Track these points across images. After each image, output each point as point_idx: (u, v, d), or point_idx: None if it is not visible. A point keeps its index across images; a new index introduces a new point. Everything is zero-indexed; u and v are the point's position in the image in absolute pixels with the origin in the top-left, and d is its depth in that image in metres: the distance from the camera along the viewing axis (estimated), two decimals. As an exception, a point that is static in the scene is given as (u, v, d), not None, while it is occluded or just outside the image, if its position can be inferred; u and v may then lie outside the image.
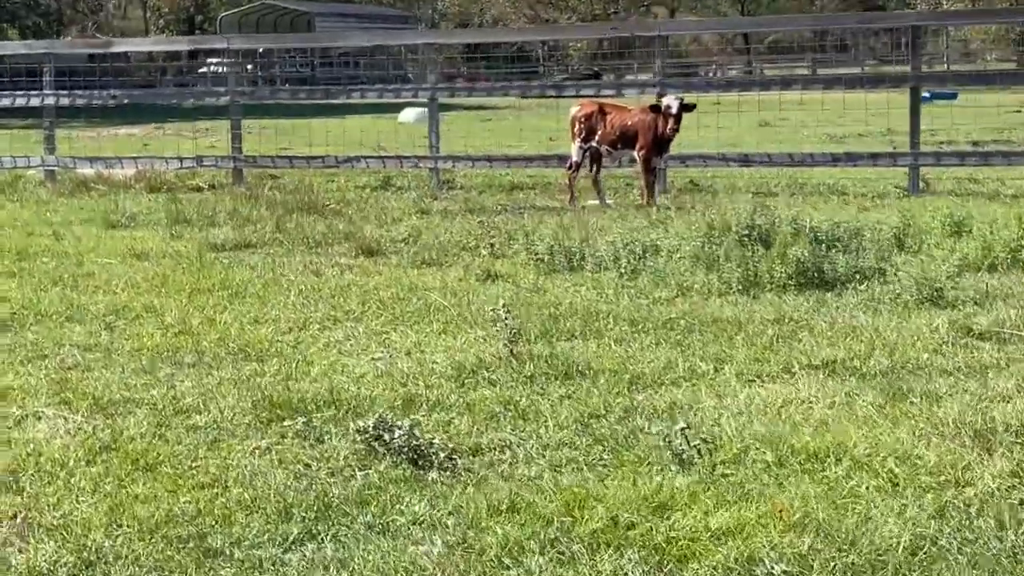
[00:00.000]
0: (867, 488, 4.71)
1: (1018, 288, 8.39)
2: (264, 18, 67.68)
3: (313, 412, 5.98)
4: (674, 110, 13.07)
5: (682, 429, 4.83)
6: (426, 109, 31.59)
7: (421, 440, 5.27)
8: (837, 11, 71.15)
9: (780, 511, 4.34)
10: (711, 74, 60.06)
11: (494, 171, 16.85)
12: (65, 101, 17.36)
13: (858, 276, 8.85)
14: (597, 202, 13.85)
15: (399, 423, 5.40)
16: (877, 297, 8.27)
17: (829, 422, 5.55)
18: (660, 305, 8.32)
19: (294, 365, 6.99)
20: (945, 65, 47.85)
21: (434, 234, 11.37)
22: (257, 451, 5.49)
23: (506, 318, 7.15)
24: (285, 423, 5.82)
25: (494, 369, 6.74)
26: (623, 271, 9.35)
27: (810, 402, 5.93)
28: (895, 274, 8.83)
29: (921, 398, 5.87)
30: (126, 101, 18.80)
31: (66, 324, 8.13)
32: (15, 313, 8.40)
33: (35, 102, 17.40)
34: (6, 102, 17.60)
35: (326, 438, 5.63)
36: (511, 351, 7.02)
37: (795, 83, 16.15)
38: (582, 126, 13.72)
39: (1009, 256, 9.24)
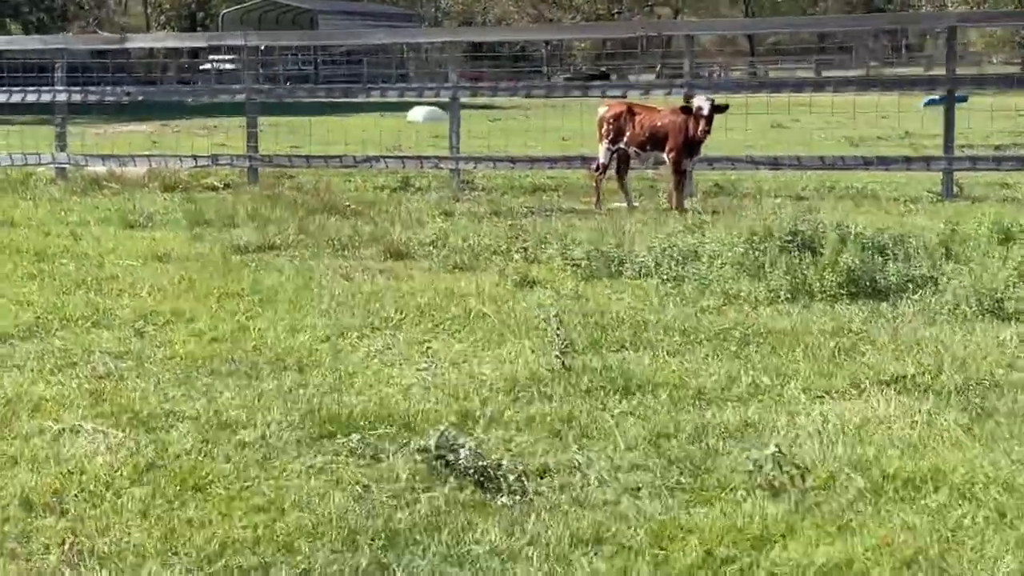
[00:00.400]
0: (974, 520, 4.41)
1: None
2: (266, 15, 67.30)
3: (365, 428, 5.68)
4: (705, 111, 12.76)
5: (774, 454, 4.52)
6: (435, 108, 31.67)
7: (488, 461, 4.97)
8: (841, 13, 70.93)
9: (888, 545, 4.04)
10: (713, 76, 59.87)
11: (513, 172, 16.53)
12: (77, 97, 17.03)
13: (910, 285, 8.56)
14: (623, 204, 13.55)
15: (462, 442, 5.10)
16: (933, 308, 7.98)
17: (916, 444, 5.25)
18: (709, 314, 8.02)
19: (337, 376, 6.69)
20: (977, 68, 47.72)
21: (462, 237, 11.06)
22: (311, 470, 5.20)
23: (557, 328, 6.87)
24: (338, 440, 5.53)
25: (547, 382, 6.45)
26: (664, 278, 9.05)
27: (889, 421, 5.64)
28: (947, 283, 8.54)
29: (1008, 418, 5.58)
30: (140, 98, 18.49)
31: (93, 330, 7.83)
32: (39, 318, 8.10)
33: (46, 98, 17.08)
34: (17, 98, 17.27)
35: (383, 456, 5.33)
36: (563, 363, 6.73)
37: (827, 85, 15.83)
38: (610, 127, 13.42)
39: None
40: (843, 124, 25.53)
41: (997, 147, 20.51)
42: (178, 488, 4.98)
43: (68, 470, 5.18)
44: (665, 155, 13.18)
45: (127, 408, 6.05)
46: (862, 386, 6.27)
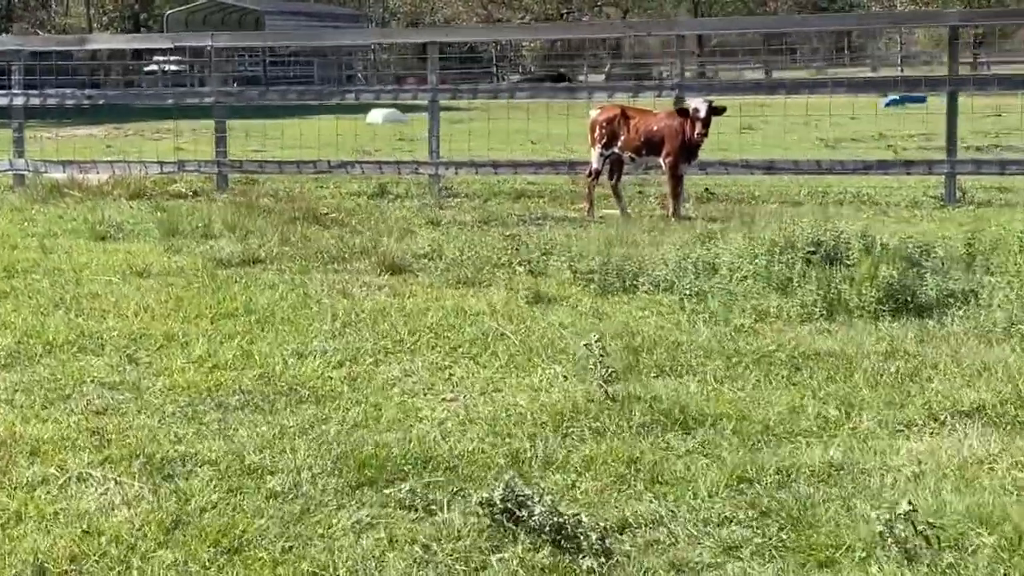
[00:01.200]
0: None
1: None
2: (211, 16, 66.27)
3: (409, 474, 5.09)
4: (702, 114, 12.25)
5: (908, 513, 3.96)
6: (393, 110, 31.03)
7: (566, 517, 4.39)
8: (791, 12, 70.73)
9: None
10: (663, 77, 59.36)
11: (492, 178, 15.92)
12: (36, 101, 16.25)
13: (951, 300, 8.07)
14: (616, 212, 13.01)
15: (529, 493, 4.52)
16: (984, 325, 7.48)
17: (1034, 490, 4.73)
18: (745, 335, 7.49)
19: (360, 409, 6.09)
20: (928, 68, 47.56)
21: (458, 249, 10.47)
22: (359, 526, 4.60)
23: (601, 355, 6.30)
24: (383, 489, 4.93)
25: (594, 415, 5.88)
26: (686, 293, 8.51)
27: (989, 461, 5.11)
28: (990, 298, 8.05)
29: (1121, 457, 5.07)
30: (101, 102, 17.73)
31: (80, 356, 7.19)
32: (20, 342, 7.44)
33: (3, 101, 16.30)
34: (-29, 102, 16.48)
35: (437, 509, 4.74)
36: (606, 392, 6.17)
37: (823, 86, 15.35)
38: (603, 131, 12.87)
39: (1108, 277, 8.48)
40: (812, 126, 25.16)
41: (978, 148, 20.15)
42: (212, 551, 4.37)
43: (84, 529, 4.55)
44: (661, 160, 12.65)
45: (136, 451, 5.42)
46: (941, 418, 5.75)
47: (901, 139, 23.19)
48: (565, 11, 74.84)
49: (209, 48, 15.88)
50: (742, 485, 4.92)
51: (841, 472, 5.03)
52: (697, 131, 12.28)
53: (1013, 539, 4.23)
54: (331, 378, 6.69)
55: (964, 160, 13.92)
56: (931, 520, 4.05)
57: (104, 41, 26.93)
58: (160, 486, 5.01)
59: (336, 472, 5.15)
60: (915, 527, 3.96)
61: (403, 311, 8.26)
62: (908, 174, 14.05)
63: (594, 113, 13.11)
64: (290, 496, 4.91)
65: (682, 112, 12.51)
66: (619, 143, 12.81)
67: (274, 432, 5.73)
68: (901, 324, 7.62)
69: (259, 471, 5.19)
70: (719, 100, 12.57)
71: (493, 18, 75.81)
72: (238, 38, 26.18)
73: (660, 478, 5.03)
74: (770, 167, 14.21)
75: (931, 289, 8.12)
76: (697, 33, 42.28)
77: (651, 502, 4.78)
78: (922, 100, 35.17)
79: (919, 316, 7.81)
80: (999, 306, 7.79)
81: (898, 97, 36.32)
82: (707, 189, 14.64)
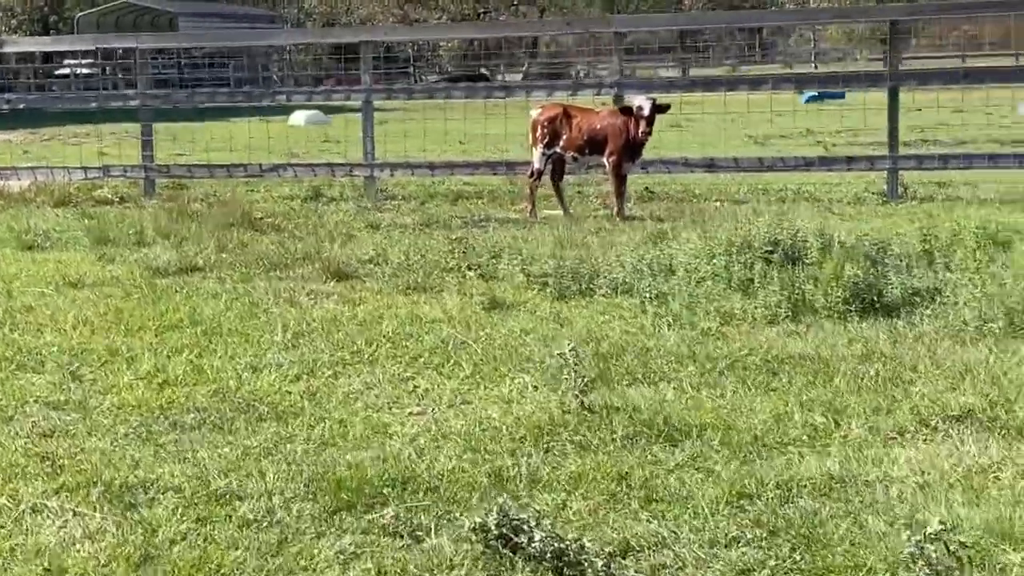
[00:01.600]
0: None
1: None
2: (123, 18, 65.13)
3: (390, 496, 4.80)
4: (646, 112, 12.03)
5: (938, 533, 3.72)
6: (317, 111, 30.56)
7: (567, 542, 4.12)
8: (705, 10, 70.92)
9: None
10: (580, 75, 59.32)
11: (427, 180, 15.60)
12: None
13: (917, 299, 7.91)
14: (559, 212, 12.77)
15: (525, 517, 4.25)
16: (953, 324, 7.31)
17: (1047, 500, 4.53)
18: (713, 339, 7.27)
19: (325, 426, 5.79)
20: (841, 64, 47.93)
21: (403, 253, 10.16)
22: (343, 556, 4.30)
23: (575, 363, 6.04)
24: (363, 514, 4.64)
25: (575, 428, 5.62)
26: (647, 296, 8.27)
27: (993, 470, 4.92)
28: (955, 295, 7.89)
29: None
30: (22, 106, 17.18)
31: (19, 374, 6.82)
32: (-47, 361, 7.04)
33: (-83, 107, 15.74)
34: None
35: (424, 535, 4.45)
36: (582, 403, 5.91)
37: (765, 83, 15.19)
38: (545, 130, 12.61)
39: (1070, 273, 8.36)
40: (737, 123, 25.06)
41: (905, 144, 20.11)
42: (188, 589, 4.06)
43: (45, 567, 4.22)
44: (604, 159, 12.43)
45: (93, 477, 5.07)
46: (931, 423, 5.55)
47: (828, 135, 23.16)
48: (482, 11, 74.60)
49: (136, 50, 15.42)
50: (742, 501, 4.68)
51: (843, 484, 4.81)
52: (641, 129, 12.07)
53: (1040, 555, 4.02)
54: (290, 393, 6.38)
55: (906, 155, 13.84)
56: (962, 540, 3.83)
57: (25, 44, 26.17)
58: (123, 517, 4.67)
59: (310, 496, 4.85)
60: (947, 547, 3.73)
61: (356, 320, 7.95)
62: (850, 170, 13.94)
63: (535, 112, 12.85)
64: (264, 524, 4.60)
65: (625, 110, 12.29)
66: (561, 142, 12.56)
67: (237, 453, 5.41)
68: (870, 324, 7.45)
69: (227, 497, 4.87)
70: (662, 98, 12.36)
71: (410, 18, 75.27)
72: (165, 39, 25.62)
73: (655, 495, 4.78)
74: (711, 165, 14.04)
75: (896, 288, 7.96)
76: (633, 30, 42.11)
77: (649, 522, 4.53)
78: (841, 96, 35.42)
79: (887, 316, 7.63)
80: (966, 304, 7.63)
81: (817, 93, 36.59)
82: (647, 188, 14.43)
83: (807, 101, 36.16)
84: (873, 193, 13.55)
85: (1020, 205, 12.39)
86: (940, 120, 24.95)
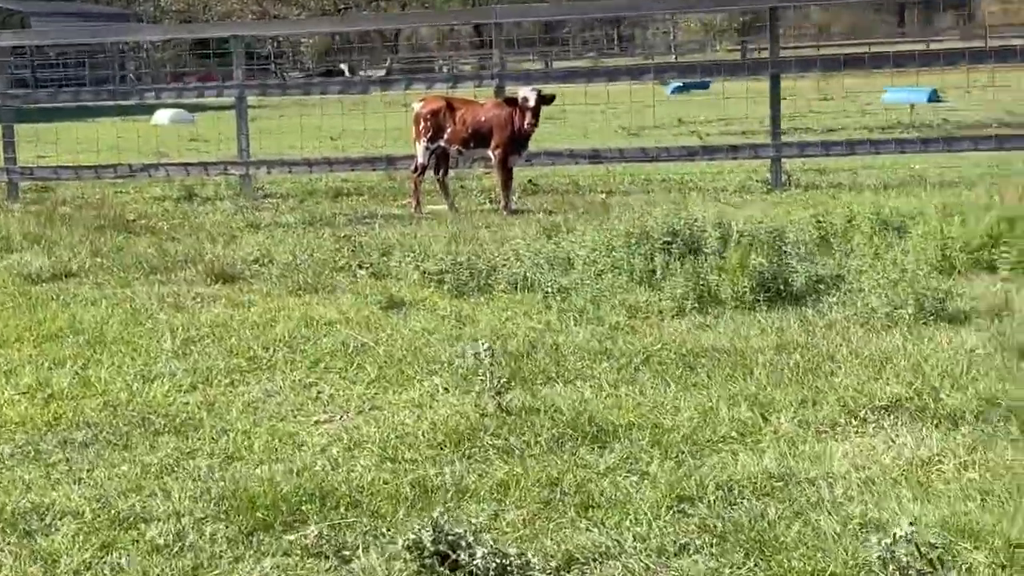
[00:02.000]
0: None
1: (1021, 294, 7.43)
2: (-30, 18, 63.28)
3: (309, 513, 4.49)
4: (532, 103, 11.81)
5: (909, 535, 3.53)
6: (180, 110, 29.85)
7: (511, 557, 3.85)
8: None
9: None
10: (444, 69, 59.06)
11: (304, 177, 15.20)
12: None
13: (821, 287, 7.80)
14: (444, 207, 12.49)
15: (461, 532, 3.97)
16: (862, 312, 7.20)
17: (998, 493, 4.38)
18: (623, 333, 7.06)
19: (228, 439, 5.45)
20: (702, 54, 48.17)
21: (290, 253, 9.80)
22: (266, 582, 3.99)
23: (490, 363, 5.78)
24: (282, 535, 4.32)
25: (495, 432, 5.36)
26: (547, 290, 8.04)
27: (934, 462, 4.77)
28: (858, 282, 7.80)
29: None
30: None
31: None
32: None
33: None
34: None
35: (352, 556, 4.15)
36: (499, 404, 5.65)
37: (646, 72, 15.07)
38: (428, 124, 12.30)
39: (969, 257, 8.33)
40: (608, 115, 25.01)
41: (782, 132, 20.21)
42: (99, 625, 3.71)
43: (-64, 609, 3.84)
44: (490, 152, 12.18)
45: (-18, 504, 4.68)
46: (861, 414, 5.40)
47: (700, 124, 23.24)
48: (343, 6, 73.81)
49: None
50: (683, 505, 4.46)
51: (784, 483, 4.62)
52: (528, 121, 11.84)
53: (1005, 554, 3.86)
54: (186, 404, 6.02)
55: (789, 143, 13.80)
56: (931, 541, 3.64)
57: None
58: (19, 546, 4.29)
59: (223, 516, 4.51)
60: (919, 550, 3.54)
61: (248, 323, 7.60)
62: (734, 159, 13.87)
63: (417, 106, 12.54)
64: (176, 549, 4.26)
65: (510, 101, 12.06)
66: (445, 136, 12.28)
67: (136, 471, 5.05)
68: (780, 314, 7.32)
69: (132, 520, 4.52)
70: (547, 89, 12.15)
71: (269, 14, 74.15)
72: (29, 36, 24.74)
73: (591, 501, 4.54)
74: (596, 156, 13.87)
75: (801, 276, 7.84)
76: (517, 20, 41.73)
77: (590, 531, 4.28)
78: (705, 86, 35.67)
79: (794, 304, 7.52)
80: (871, 291, 7.53)
81: (681, 84, 36.74)
82: (531, 181, 14.21)
83: (673, 92, 36.44)
84: (757, 181, 13.51)
85: (901, 190, 12.42)
86: (809, 109, 25.27)
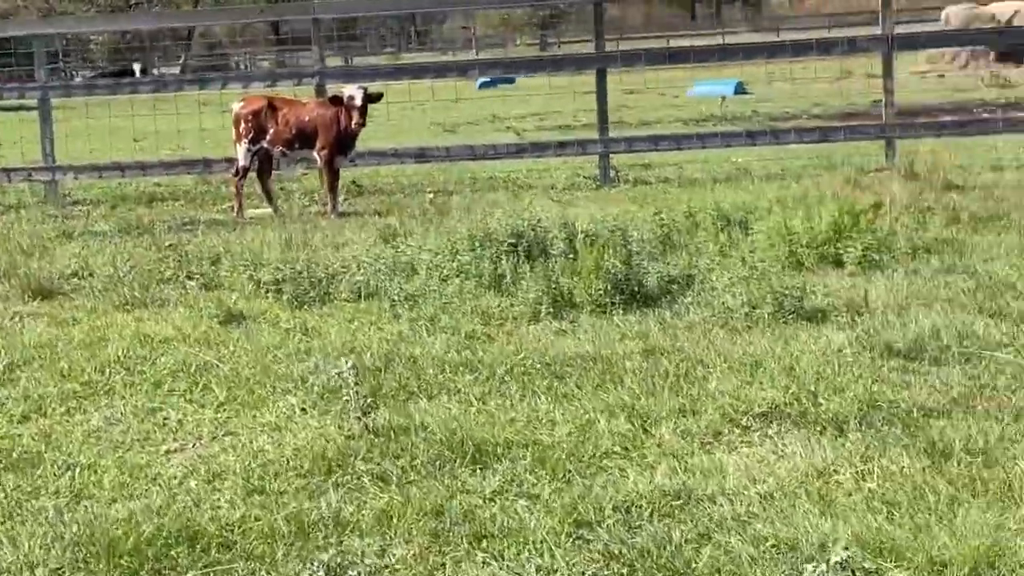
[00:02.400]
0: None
1: (873, 289, 7.39)
2: None
3: (179, 557, 4.10)
4: (358, 102, 11.46)
5: (844, 562, 3.33)
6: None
7: (414, 602, 3.55)
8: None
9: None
10: (242, 66, 57.95)
11: (113, 182, 14.54)
12: None
13: (674, 287, 7.67)
14: (267, 211, 12.05)
15: (356, 575, 3.65)
16: (720, 312, 7.06)
17: (903, 504, 4.23)
18: (481, 342, 6.80)
19: (73, 474, 5.01)
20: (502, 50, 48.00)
21: (110, 264, 9.26)
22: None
23: (354, 381, 5.45)
24: (153, 584, 3.93)
25: (365, 456, 5.03)
26: (395, 299, 7.73)
27: (829, 473, 4.61)
28: (709, 280, 7.70)
29: (965, 453, 4.68)
30: None
31: None
32: None
33: None
34: None
35: (233, 605, 3.80)
36: (367, 426, 5.33)
37: (471, 68, 14.82)
38: (249, 125, 11.83)
39: (815, 253, 8.29)
40: (419, 111, 24.71)
41: (585, 125, 20.22)
42: None
43: None
44: (316, 153, 11.78)
45: None
46: (742, 423, 5.23)
47: (515, 120, 23.15)
48: (135, 2, 71.86)
49: None
50: (582, 530, 4.21)
51: (682, 502, 4.40)
52: (355, 120, 11.49)
53: (929, 572, 3.70)
54: (19, 436, 5.55)
55: (616, 139, 13.72)
56: (867, 566, 3.45)
57: None
58: None
59: (81, 566, 4.10)
60: (854, 574, 3.35)
61: (76, 344, 7.10)
62: (561, 155, 13.73)
63: (237, 106, 12.05)
64: (32, 607, 3.84)
65: (335, 100, 11.67)
66: (268, 137, 11.83)
67: (-29, 516, 4.58)
68: (638, 317, 7.14)
69: (-26, 575, 4.07)
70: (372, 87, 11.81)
71: (56, 11, 71.78)
72: None
73: (483, 531, 4.25)
74: (422, 155, 13.60)
75: (653, 277, 7.68)
76: (338, 16, 40.79)
77: (488, 564, 4.01)
78: (511, 81, 35.72)
79: (649, 306, 7.35)
80: (725, 290, 7.42)
81: (489, 79, 36.72)
82: (354, 182, 13.84)
83: (481, 87, 36.36)
84: (585, 178, 13.39)
85: (730, 184, 12.45)
86: (619, 103, 25.36)
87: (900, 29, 13.94)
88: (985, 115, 18.25)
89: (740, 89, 27.26)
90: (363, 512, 4.47)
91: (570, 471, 4.77)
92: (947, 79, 29.20)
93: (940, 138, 13.39)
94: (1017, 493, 4.28)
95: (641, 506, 4.37)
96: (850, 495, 4.37)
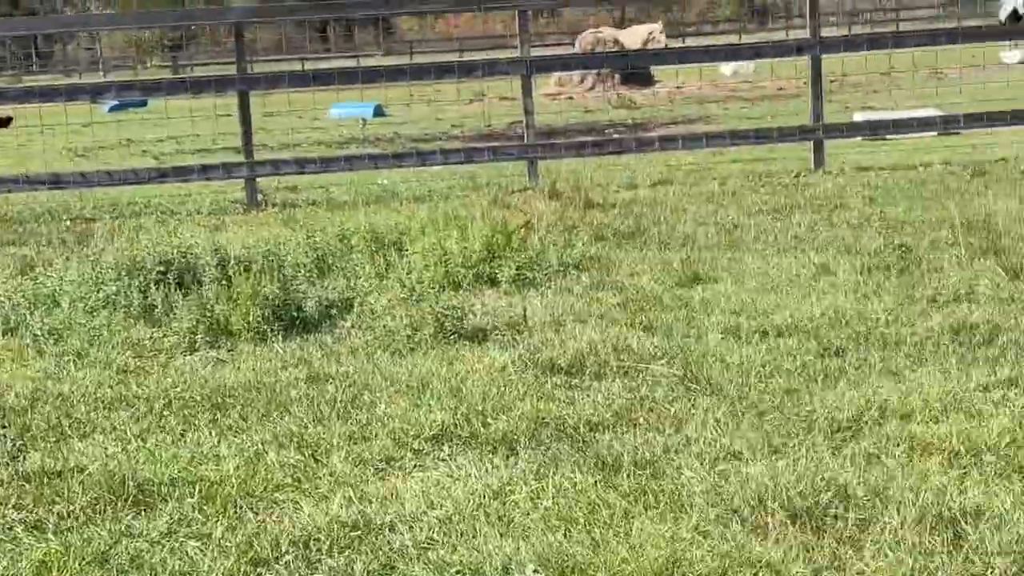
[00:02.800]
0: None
1: (529, 306, 7.49)
2: None
3: None
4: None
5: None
6: None
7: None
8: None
9: None
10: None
11: None
12: None
13: (332, 311, 7.57)
14: None
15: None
16: (382, 335, 7.00)
17: (581, 522, 4.27)
18: (135, 376, 6.52)
19: None
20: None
21: None
22: None
23: (1, 424, 5.10)
24: None
25: (16, 503, 4.71)
26: (38, 334, 7.30)
27: (508, 493, 4.60)
28: (367, 302, 7.63)
29: (634, 466, 4.77)
30: None
31: None
32: None
33: None
34: None
35: None
36: (17, 471, 5.00)
37: (107, 90, 14.21)
38: None
39: (471, 272, 8.35)
40: (50, 135, 23.63)
41: (236, 149, 19.86)
42: None
43: None
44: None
45: None
46: (414, 446, 5.17)
47: (151, 144, 22.49)
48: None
49: None
50: (260, 570, 4.05)
51: (362, 532, 4.29)
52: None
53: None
54: None
55: (262, 162, 13.48)
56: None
57: None
58: None
59: None
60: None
61: None
62: (207, 179, 13.37)
63: None
64: None
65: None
66: None
67: None
68: (298, 343, 7.00)
69: None
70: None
71: None
72: None
73: (154, 576, 4.02)
74: (56, 181, 12.96)
75: (311, 301, 7.56)
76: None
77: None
78: (144, 104, 34.76)
79: (310, 332, 7.22)
80: (384, 312, 7.37)
81: (117, 103, 35.54)
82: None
83: (111, 110, 35.18)
84: (232, 202, 13.11)
85: (379, 206, 12.42)
86: (259, 125, 24.98)
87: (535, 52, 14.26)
88: (615, 135, 19.02)
89: (379, 111, 27.38)
90: (19, 565, 4.16)
91: (241, 507, 4.59)
92: (576, 100, 30.17)
93: (580, 158, 13.79)
94: (687, 503, 4.38)
95: (320, 539, 4.24)
96: (528, 514, 4.37)
